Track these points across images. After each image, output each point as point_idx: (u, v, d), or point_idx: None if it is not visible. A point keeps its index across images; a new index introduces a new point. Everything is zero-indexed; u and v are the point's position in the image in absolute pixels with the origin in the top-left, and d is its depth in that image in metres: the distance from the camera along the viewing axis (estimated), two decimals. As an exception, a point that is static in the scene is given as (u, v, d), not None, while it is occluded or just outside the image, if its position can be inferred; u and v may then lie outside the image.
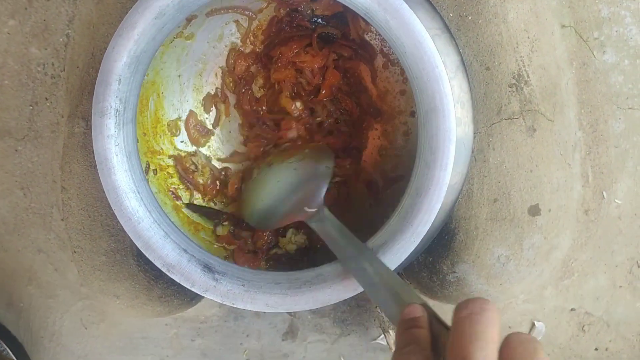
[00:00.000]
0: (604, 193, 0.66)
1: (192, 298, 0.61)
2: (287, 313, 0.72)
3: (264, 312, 0.73)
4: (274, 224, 0.55)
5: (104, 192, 0.51)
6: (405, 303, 0.36)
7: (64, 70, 0.66)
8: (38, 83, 0.66)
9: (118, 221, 0.49)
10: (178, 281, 0.46)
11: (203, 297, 0.51)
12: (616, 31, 0.63)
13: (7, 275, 0.73)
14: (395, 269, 0.45)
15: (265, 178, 0.58)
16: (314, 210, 0.49)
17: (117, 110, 0.44)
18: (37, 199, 0.70)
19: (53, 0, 0.64)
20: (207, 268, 0.46)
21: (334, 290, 0.45)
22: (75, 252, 0.58)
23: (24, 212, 0.70)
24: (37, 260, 0.72)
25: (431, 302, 0.71)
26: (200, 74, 0.61)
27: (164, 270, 0.46)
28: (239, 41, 0.61)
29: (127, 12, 0.57)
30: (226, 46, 0.61)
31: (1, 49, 0.66)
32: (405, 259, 0.45)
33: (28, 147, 0.68)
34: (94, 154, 0.56)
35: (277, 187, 0.56)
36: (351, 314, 0.73)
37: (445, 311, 0.71)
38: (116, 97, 0.43)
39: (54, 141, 0.67)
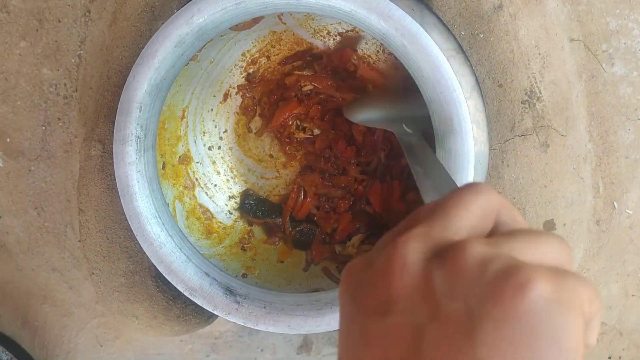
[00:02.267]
0: (615, 203, 0.66)
1: (210, 316, 0.62)
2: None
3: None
4: (367, 118, 0.55)
5: (121, 214, 0.52)
6: None
7: (76, 90, 0.66)
8: (50, 104, 0.67)
9: (136, 243, 0.50)
10: (200, 304, 0.46)
11: (221, 314, 0.51)
12: (624, 43, 0.63)
13: (22, 295, 0.74)
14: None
15: None
16: (410, 132, 0.50)
17: (138, 137, 0.44)
18: (51, 218, 0.70)
19: (64, 22, 0.64)
20: (229, 291, 0.47)
21: (355, 311, 0.45)
22: (93, 273, 0.58)
23: (37, 231, 0.70)
24: (51, 278, 0.72)
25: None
26: (214, 95, 0.61)
27: (186, 294, 0.46)
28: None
29: (141, 36, 0.58)
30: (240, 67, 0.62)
31: (13, 70, 0.66)
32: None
33: (41, 167, 0.68)
34: (111, 177, 0.57)
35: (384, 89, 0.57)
36: (365, 327, 0.73)
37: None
38: (137, 124, 0.44)
39: (67, 161, 0.68)
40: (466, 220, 0.23)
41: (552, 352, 0.19)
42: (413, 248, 0.23)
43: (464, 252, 0.21)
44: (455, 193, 0.24)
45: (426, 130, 0.50)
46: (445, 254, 0.22)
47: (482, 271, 0.21)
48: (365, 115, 0.56)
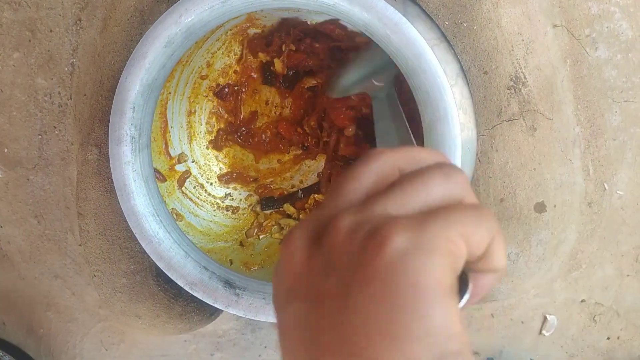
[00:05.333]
0: (606, 185, 0.67)
1: (212, 313, 0.63)
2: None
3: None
4: (342, 87, 0.58)
5: (120, 215, 0.52)
6: None
7: (70, 98, 0.67)
8: (46, 112, 0.67)
9: (136, 243, 0.50)
10: (201, 298, 0.47)
11: (222, 311, 0.52)
12: (607, 27, 0.64)
13: (26, 303, 0.74)
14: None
15: None
16: (379, 85, 0.54)
17: (133, 137, 0.45)
18: (51, 225, 0.71)
19: (56, 31, 0.65)
20: (228, 284, 0.48)
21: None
22: (95, 276, 0.59)
23: (38, 239, 0.71)
24: (54, 285, 0.73)
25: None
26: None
27: (186, 288, 0.47)
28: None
29: (131, 40, 0.59)
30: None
31: (7, 81, 0.67)
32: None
33: (39, 175, 0.69)
34: (108, 179, 0.57)
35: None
36: (366, 319, 0.74)
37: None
38: (131, 124, 0.45)
39: (64, 168, 0.69)
40: (356, 193, 0.23)
41: (409, 295, 0.19)
42: (297, 236, 0.23)
43: (335, 227, 0.22)
44: (351, 166, 0.24)
45: (397, 77, 0.54)
46: (323, 233, 0.22)
47: (350, 241, 0.21)
48: (341, 85, 0.59)
